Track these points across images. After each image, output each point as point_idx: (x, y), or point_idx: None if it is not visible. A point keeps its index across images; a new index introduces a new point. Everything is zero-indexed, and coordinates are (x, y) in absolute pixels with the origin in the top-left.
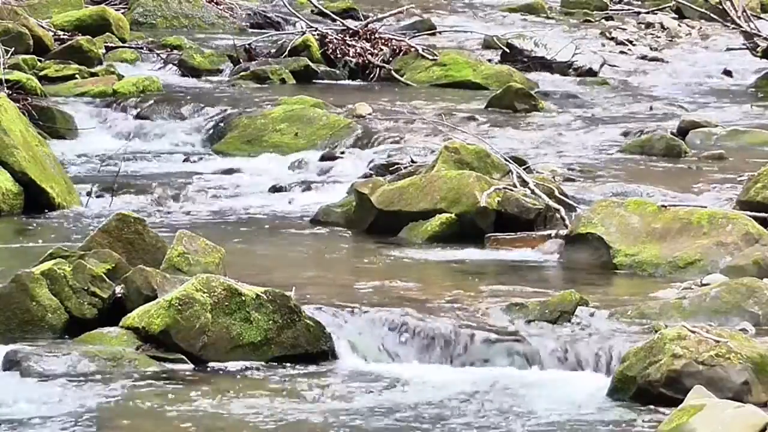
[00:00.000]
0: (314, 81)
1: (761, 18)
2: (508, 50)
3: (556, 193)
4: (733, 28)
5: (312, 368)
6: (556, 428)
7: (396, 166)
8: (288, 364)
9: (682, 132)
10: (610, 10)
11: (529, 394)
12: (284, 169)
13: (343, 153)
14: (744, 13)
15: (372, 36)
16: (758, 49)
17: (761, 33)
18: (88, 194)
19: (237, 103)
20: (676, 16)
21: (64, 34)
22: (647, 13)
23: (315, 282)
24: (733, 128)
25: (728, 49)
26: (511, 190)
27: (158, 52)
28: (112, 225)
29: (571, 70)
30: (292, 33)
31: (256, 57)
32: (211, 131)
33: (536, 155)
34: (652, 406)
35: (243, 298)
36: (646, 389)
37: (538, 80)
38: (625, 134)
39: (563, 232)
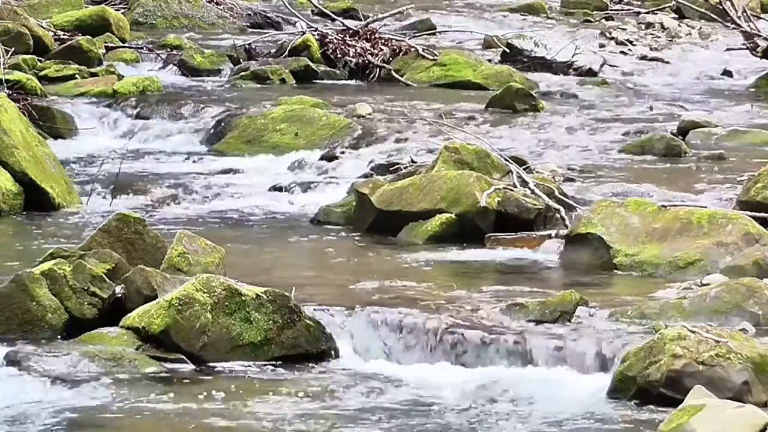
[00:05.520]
0: (314, 81)
1: (761, 18)
2: (508, 50)
3: (556, 193)
4: (733, 28)
5: (312, 368)
6: (557, 428)
7: (396, 166)
8: (288, 364)
9: (682, 132)
10: (610, 10)
11: (529, 394)
12: (284, 169)
13: (343, 153)
14: (744, 13)
15: (372, 36)
16: (758, 49)
17: (761, 33)
18: (89, 194)
19: (237, 103)
20: (676, 16)
21: (64, 34)
22: (647, 13)
23: (315, 282)
24: (733, 128)
25: (728, 49)
26: (511, 190)
27: (158, 52)
28: (112, 225)
29: (571, 70)
30: (292, 33)
31: (256, 57)
32: (211, 131)
33: (536, 155)
34: (652, 406)
35: (243, 298)
36: (646, 389)
37: (538, 80)
38: (625, 134)
39: (563, 232)
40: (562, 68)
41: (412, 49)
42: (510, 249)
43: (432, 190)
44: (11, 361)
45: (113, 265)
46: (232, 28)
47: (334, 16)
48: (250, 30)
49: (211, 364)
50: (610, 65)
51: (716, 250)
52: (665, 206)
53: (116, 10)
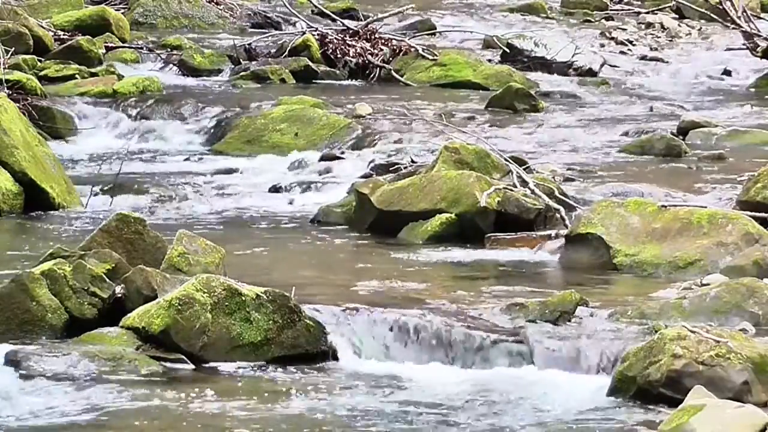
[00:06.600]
0: (314, 81)
1: (761, 18)
2: (508, 50)
3: (556, 193)
4: (733, 28)
5: (312, 368)
6: (556, 428)
7: (396, 166)
8: (288, 364)
9: (682, 132)
10: (610, 10)
11: (529, 394)
12: (284, 169)
13: (343, 153)
14: (744, 13)
15: (372, 36)
16: (758, 49)
17: (761, 33)
18: (89, 194)
19: (237, 103)
20: (676, 16)
21: (64, 34)
22: (647, 13)
23: (315, 282)
24: (733, 128)
25: (728, 49)
26: (511, 190)
27: (158, 52)
28: (112, 225)
29: (571, 70)
30: (292, 33)
31: (256, 57)
32: (211, 131)
33: (536, 155)
34: (652, 406)
35: (243, 298)
36: (646, 389)
37: (538, 80)
38: (625, 134)
39: (563, 232)
40: (562, 68)
41: (412, 49)
42: (510, 249)
43: (432, 190)
44: (11, 361)
45: (113, 265)
46: (232, 28)
47: (334, 16)
48: (250, 30)
49: (211, 364)
50: (610, 65)
51: (716, 250)
52: (665, 206)
53: (116, 10)
